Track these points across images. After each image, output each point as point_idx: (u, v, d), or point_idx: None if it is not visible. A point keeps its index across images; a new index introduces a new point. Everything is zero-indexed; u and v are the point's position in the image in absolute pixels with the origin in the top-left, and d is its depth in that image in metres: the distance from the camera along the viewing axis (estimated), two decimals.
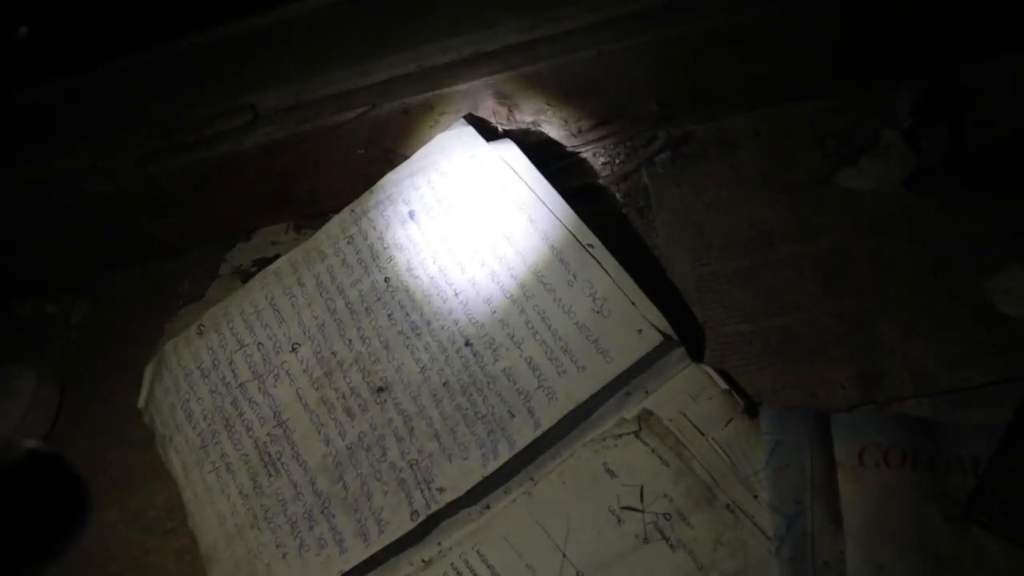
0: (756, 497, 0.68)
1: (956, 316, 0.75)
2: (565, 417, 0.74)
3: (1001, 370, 0.71)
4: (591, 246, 0.79)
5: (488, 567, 0.72)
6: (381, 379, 0.81)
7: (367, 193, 0.91)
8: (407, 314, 0.83)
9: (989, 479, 0.65)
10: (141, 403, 0.92)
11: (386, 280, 0.85)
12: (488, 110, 0.91)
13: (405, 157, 0.92)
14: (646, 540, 0.69)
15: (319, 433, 0.81)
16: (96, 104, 0.98)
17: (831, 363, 0.75)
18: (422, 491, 0.75)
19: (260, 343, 0.87)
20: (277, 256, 0.98)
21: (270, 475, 0.81)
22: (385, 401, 0.80)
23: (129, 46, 0.96)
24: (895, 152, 0.85)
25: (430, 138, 0.91)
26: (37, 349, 1.04)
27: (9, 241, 1.03)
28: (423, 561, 0.75)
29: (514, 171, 0.84)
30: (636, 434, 0.73)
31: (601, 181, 0.91)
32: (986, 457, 0.66)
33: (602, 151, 0.93)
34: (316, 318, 0.86)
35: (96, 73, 0.97)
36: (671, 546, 0.68)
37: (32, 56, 0.98)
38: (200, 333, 0.91)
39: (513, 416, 0.75)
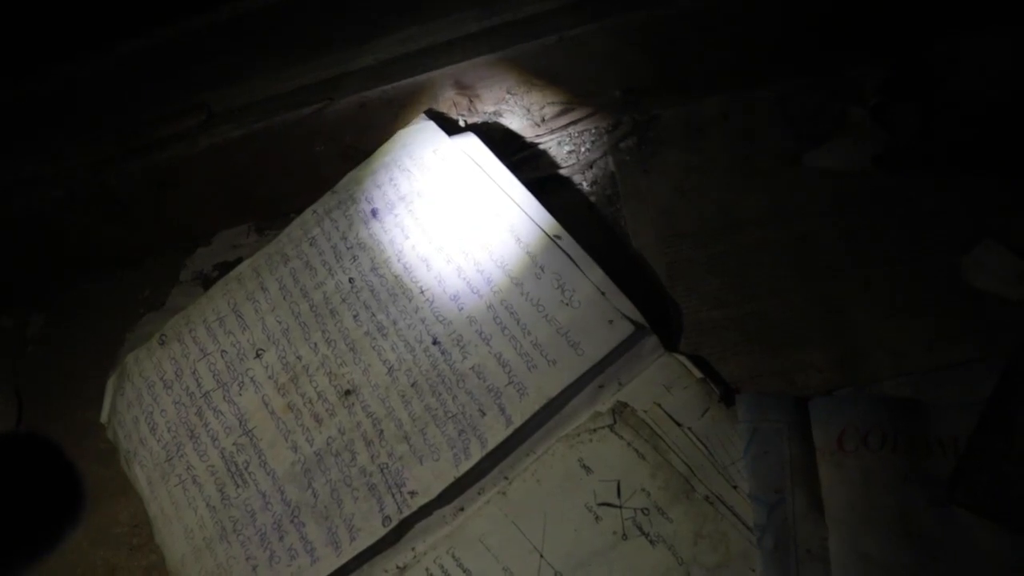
0: (735, 487, 0.67)
1: (932, 295, 0.74)
2: (537, 413, 0.72)
3: (979, 347, 0.70)
4: (558, 237, 0.77)
5: (464, 571, 0.71)
6: (348, 382, 0.79)
7: (329, 193, 0.89)
8: (373, 314, 0.80)
9: (971, 460, 0.64)
10: (104, 418, 0.89)
11: (351, 281, 0.83)
12: (448, 102, 0.89)
13: (365, 152, 0.90)
14: (625, 536, 0.67)
15: (286, 440, 0.79)
16: (45, 109, 0.95)
17: (807, 347, 0.74)
18: (393, 495, 0.73)
19: (223, 351, 0.85)
20: (239, 259, 0.95)
21: (238, 486, 0.79)
22: (353, 404, 0.78)
23: (78, 48, 0.93)
24: (864, 131, 0.83)
25: (390, 132, 0.89)
26: None
27: None
28: (397, 567, 0.73)
29: (477, 165, 0.82)
30: (611, 427, 0.71)
31: (566, 170, 0.89)
32: (967, 437, 0.65)
33: (567, 139, 0.91)
34: (280, 323, 0.84)
35: (45, 77, 0.94)
36: (650, 541, 0.67)
37: None
38: (162, 343, 0.88)
39: (484, 414, 0.73)
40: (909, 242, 0.76)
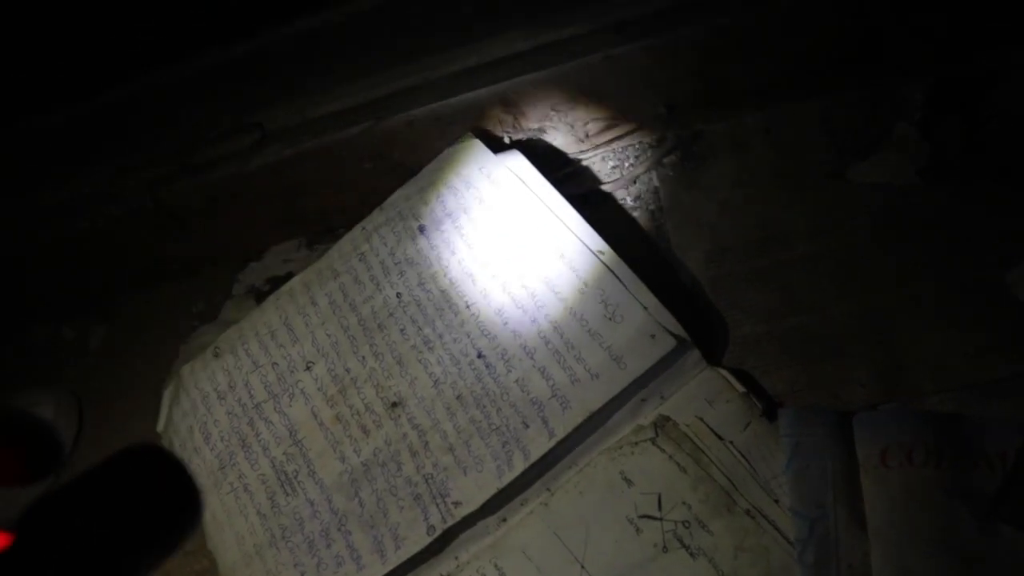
0: (777, 501, 0.67)
1: (977, 308, 0.73)
2: (580, 426, 0.73)
3: None
4: (601, 252, 0.78)
5: None
6: (395, 394, 0.80)
7: (377, 210, 0.91)
8: (419, 328, 0.82)
9: (1018, 476, 0.63)
10: (160, 427, 0.92)
11: (398, 295, 0.84)
12: (494, 119, 0.90)
13: (413, 169, 0.91)
14: (665, 549, 0.68)
15: (334, 450, 0.81)
16: (106, 129, 0.99)
17: (851, 362, 0.74)
18: (438, 505, 0.74)
19: (275, 363, 0.87)
20: (289, 274, 0.98)
21: (287, 494, 0.81)
22: (399, 416, 0.79)
23: (136, 70, 0.97)
24: (909, 144, 0.83)
25: (438, 150, 0.91)
26: (55, 375, 1.04)
27: (25, 267, 1.04)
28: None
29: (522, 181, 0.84)
30: (653, 441, 0.72)
31: (610, 186, 0.90)
32: (1013, 452, 0.65)
33: (610, 155, 0.92)
34: (329, 336, 0.86)
35: (106, 98, 0.98)
36: (691, 554, 0.67)
37: (44, 82, 0.99)
38: (216, 355, 0.91)
39: (527, 426, 0.74)
40: (954, 256, 0.76)
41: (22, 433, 0.31)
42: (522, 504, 0.74)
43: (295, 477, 0.81)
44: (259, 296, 0.99)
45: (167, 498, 0.32)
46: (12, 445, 0.30)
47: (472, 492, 0.74)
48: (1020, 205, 0.76)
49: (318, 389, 0.84)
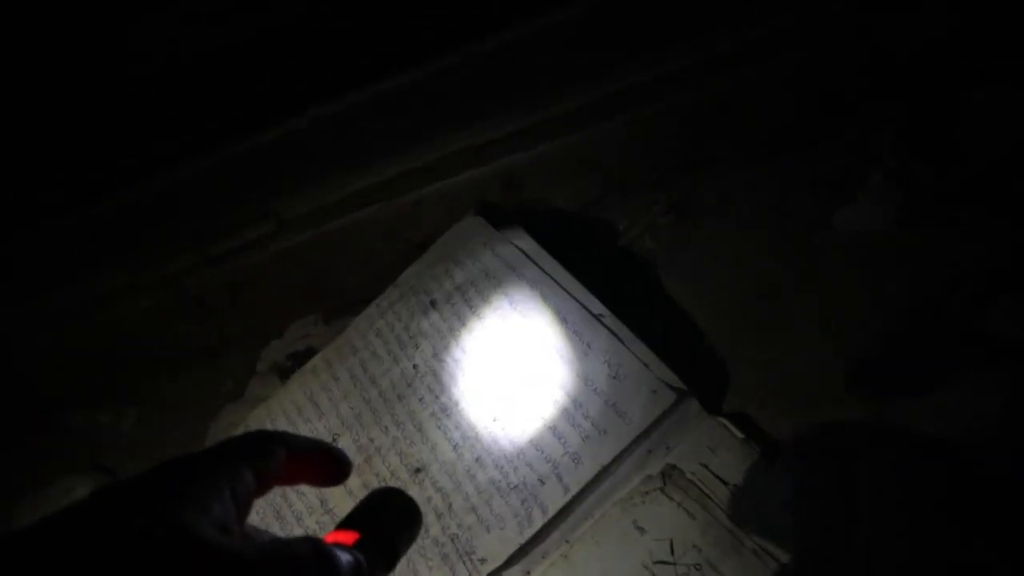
0: (782, 541, 0.71)
1: (958, 346, 0.77)
2: (592, 479, 0.77)
3: (1008, 393, 0.74)
4: (602, 316, 0.83)
5: None
6: (417, 460, 0.85)
7: (391, 287, 0.96)
8: (436, 397, 0.87)
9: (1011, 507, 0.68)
10: None
11: (415, 367, 0.90)
12: (496, 193, 0.96)
13: (421, 245, 0.97)
14: None
15: None
16: (129, 224, 1.05)
17: (845, 403, 0.78)
18: (465, 563, 0.79)
19: None
20: (309, 348, 1.03)
21: None
22: (423, 481, 0.84)
23: (156, 164, 1.03)
24: (885, 191, 0.88)
25: (444, 225, 0.96)
26: (92, 458, 1.09)
27: (61, 357, 1.09)
28: None
29: (525, 254, 0.90)
30: (662, 489, 0.76)
31: (608, 249, 0.96)
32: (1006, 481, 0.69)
33: (607, 220, 0.98)
34: (352, 408, 0.91)
35: (128, 194, 1.04)
36: None
37: (71, 183, 1.05)
38: None
39: (543, 483, 0.79)
40: (932, 295, 0.80)
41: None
42: (543, 556, 0.78)
43: None
44: (282, 372, 1.05)
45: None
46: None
47: (496, 548, 0.78)
48: (990, 243, 0.81)
49: None
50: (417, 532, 0.46)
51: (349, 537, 0.42)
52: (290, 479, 0.43)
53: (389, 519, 0.45)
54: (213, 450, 0.39)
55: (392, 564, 0.43)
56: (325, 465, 0.45)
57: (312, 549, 0.37)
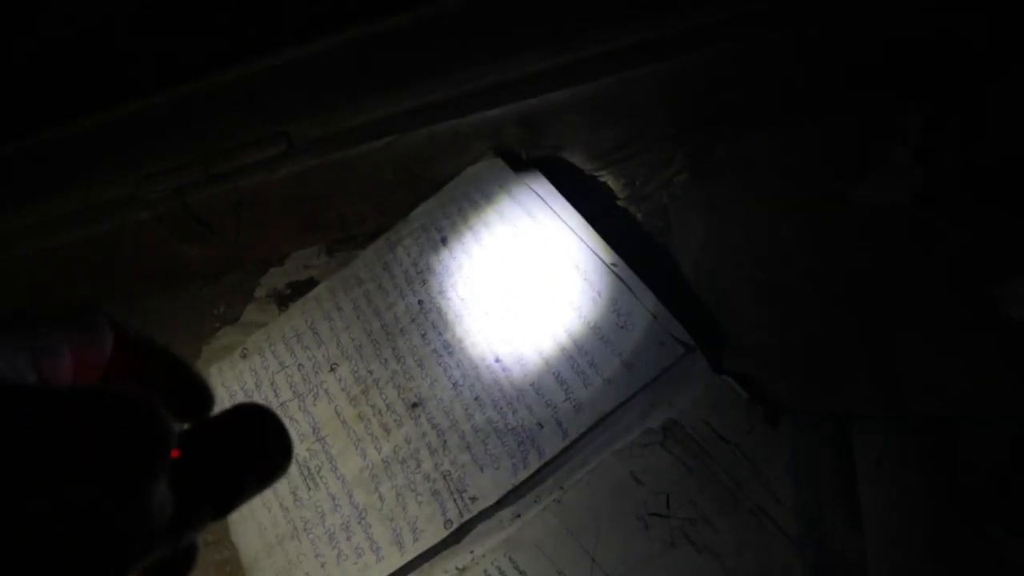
0: (779, 501, 0.71)
1: (969, 325, 0.77)
2: (592, 427, 0.77)
3: (1016, 373, 0.73)
4: (614, 265, 0.82)
5: (520, 573, 0.75)
6: (415, 395, 0.84)
7: (401, 222, 0.95)
8: (440, 334, 0.86)
9: (1006, 480, 0.68)
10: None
11: (420, 303, 0.89)
12: (513, 136, 0.95)
13: (431, 181, 0.96)
14: (673, 544, 0.72)
15: (356, 447, 0.84)
16: (135, 135, 1.03)
17: (850, 372, 0.78)
18: (455, 500, 0.78)
19: (300, 364, 0.91)
20: (310, 279, 1.01)
21: (309, 488, 0.85)
22: (419, 416, 0.83)
23: (166, 78, 1.01)
24: (907, 168, 0.87)
25: (456, 163, 0.95)
26: None
27: (52, 269, 1.07)
28: (457, 568, 0.78)
29: (541, 198, 0.88)
30: (661, 443, 0.76)
31: (622, 202, 0.95)
32: (1005, 456, 0.69)
33: (623, 173, 0.96)
34: (354, 340, 0.90)
35: (136, 105, 1.02)
36: (697, 550, 0.71)
37: (74, 91, 1.03)
38: (244, 356, 0.95)
39: (542, 427, 0.78)
40: (948, 275, 0.80)
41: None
42: (536, 501, 0.78)
43: (317, 472, 0.85)
44: (280, 300, 1.03)
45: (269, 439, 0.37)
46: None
47: (488, 488, 0.78)
48: (1010, 228, 0.80)
49: (342, 389, 0.88)
50: (275, 477, 0.37)
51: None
52: (125, 367, 0.37)
53: (243, 449, 0.36)
54: (17, 310, 0.34)
55: (223, 510, 0.35)
56: (167, 376, 0.38)
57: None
